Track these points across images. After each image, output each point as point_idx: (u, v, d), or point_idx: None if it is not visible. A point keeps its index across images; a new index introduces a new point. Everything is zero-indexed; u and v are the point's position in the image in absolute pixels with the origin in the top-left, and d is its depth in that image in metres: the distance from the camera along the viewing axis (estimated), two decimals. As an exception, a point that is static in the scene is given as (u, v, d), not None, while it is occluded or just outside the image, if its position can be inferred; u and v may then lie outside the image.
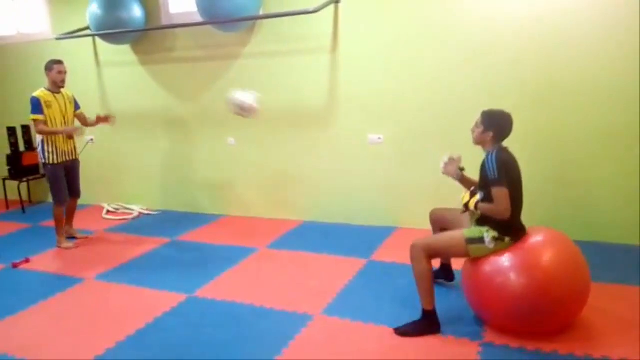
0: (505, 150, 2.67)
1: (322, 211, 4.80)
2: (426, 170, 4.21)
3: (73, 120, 4.39)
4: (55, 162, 4.25)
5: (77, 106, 4.45)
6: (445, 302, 2.96)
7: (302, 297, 3.20)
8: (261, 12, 4.57)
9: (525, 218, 2.71)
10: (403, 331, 2.68)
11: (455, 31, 4.00)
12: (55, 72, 4.18)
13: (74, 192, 4.48)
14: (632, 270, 3.35)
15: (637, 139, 3.66)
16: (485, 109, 2.73)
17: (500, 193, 2.53)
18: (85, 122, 4.50)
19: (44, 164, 4.30)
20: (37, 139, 4.30)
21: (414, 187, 4.33)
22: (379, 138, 4.40)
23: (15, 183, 5.70)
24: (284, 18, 4.43)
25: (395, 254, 3.79)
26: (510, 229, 2.61)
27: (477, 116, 2.72)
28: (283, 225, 4.75)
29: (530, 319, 2.51)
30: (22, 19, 5.93)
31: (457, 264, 3.15)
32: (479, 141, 2.72)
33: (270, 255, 4.02)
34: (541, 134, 3.87)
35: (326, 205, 4.77)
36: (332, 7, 4.32)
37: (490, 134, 2.65)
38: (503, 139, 2.69)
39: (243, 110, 3.79)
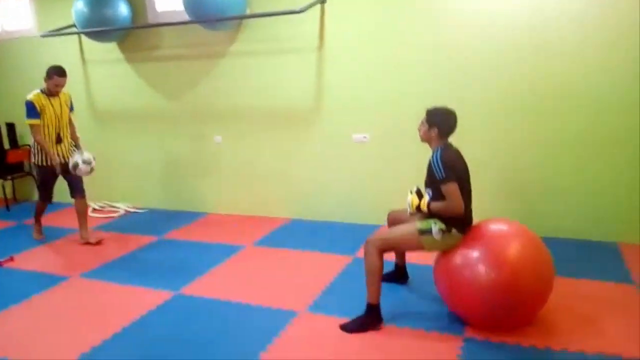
0: (449, 147, 2.73)
1: (309, 209, 4.83)
2: (410, 168, 4.23)
3: (67, 124, 4.26)
4: (42, 164, 4.18)
5: (71, 108, 4.34)
6: (427, 299, 3.02)
7: (288, 294, 3.23)
8: (247, 11, 4.58)
9: (486, 214, 2.76)
10: (350, 328, 2.74)
11: (442, 32, 4.04)
12: (53, 84, 4.04)
13: (77, 190, 4.32)
14: (589, 265, 3.45)
15: (595, 144, 3.78)
16: (430, 107, 2.80)
17: (450, 189, 2.59)
18: (72, 129, 4.36)
19: (34, 164, 4.24)
20: (31, 140, 4.19)
21: (398, 186, 4.34)
22: (365, 137, 4.44)
23: (-1, 181, 5.67)
24: (270, 17, 4.45)
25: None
26: (458, 221, 2.65)
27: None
28: (270, 223, 4.77)
29: (500, 311, 2.54)
30: (6, 16, 5.87)
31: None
32: (425, 138, 2.81)
33: (256, 253, 4.05)
34: (507, 135, 3.96)
35: (313, 203, 4.80)
36: (318, 6, 4.35)
37: (435, 130, 2.72)
38: (448, 135, 2.76)
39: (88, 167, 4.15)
